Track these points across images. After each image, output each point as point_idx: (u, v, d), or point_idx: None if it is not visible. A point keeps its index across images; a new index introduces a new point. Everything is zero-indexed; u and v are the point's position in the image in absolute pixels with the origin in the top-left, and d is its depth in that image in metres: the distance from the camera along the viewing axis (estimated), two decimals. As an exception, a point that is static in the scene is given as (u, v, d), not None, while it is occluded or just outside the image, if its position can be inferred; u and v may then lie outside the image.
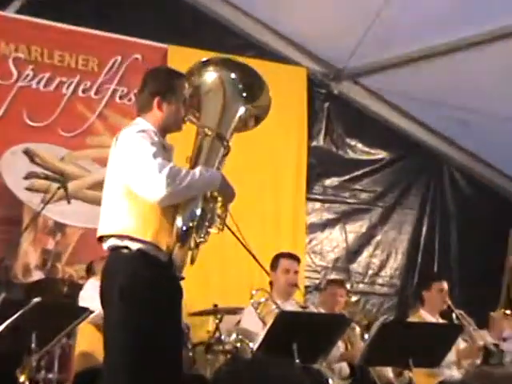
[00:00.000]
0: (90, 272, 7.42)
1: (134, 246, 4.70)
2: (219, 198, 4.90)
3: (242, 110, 5.15)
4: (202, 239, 4.82)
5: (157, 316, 4.63)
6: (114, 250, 4.76)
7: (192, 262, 4.89)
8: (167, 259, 4.73)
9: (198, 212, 4.78)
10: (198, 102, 5.15)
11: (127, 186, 4.71)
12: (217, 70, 5.17)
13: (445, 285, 8.36)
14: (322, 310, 8.16)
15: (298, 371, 2.35)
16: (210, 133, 4.96)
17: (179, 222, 4.73)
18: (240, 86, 5.17)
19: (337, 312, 8.04)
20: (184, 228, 4.73)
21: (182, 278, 4.93)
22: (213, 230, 4.90)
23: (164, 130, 4.97)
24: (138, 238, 4.70)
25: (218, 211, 4.92)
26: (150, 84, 5.02)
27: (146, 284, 4.69)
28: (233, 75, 5.17)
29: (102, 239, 4.83)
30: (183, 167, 4.76)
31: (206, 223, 4.85)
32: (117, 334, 4.62)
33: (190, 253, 4.83)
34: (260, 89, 5.23)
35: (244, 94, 5.16)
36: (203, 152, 4.99)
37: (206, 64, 5.20)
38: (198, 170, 4.75)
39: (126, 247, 4.72)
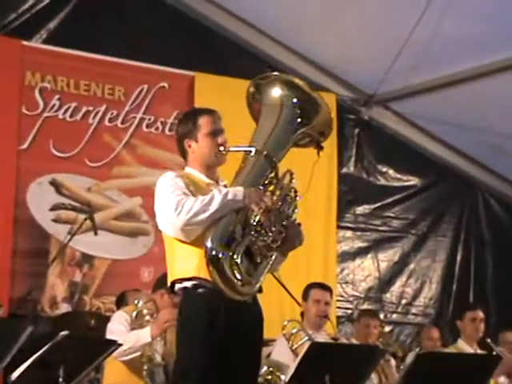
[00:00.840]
0: (120, 303, 7.42)
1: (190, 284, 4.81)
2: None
3: (292, 137, 5.13)
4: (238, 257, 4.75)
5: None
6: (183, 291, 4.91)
7: (258, 289, 4.80)
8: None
9: (231, 228, 4.72)
10: (258, 113, 5.18)
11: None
12: (283, 88, 5.14)
13: (479, 314, 8.31)
14: (355, 342, 8.13)
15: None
16: (255, 152, 4.95)
17: (208, 243, 4.66)
18: (298, 112, 5.12)
19: (370, 343, 8.01)
20: (212, 250, 4.62)
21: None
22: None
23: (206, 167, 5.05)
24: (186, 278, 4.81)
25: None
26: (178, 130, 5.14)
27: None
28: (295, 100, 5.12)
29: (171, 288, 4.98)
30: (192, 197, 4.78)
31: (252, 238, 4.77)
32: None
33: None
34: (316, 115, 5.18)
35: (299, 121, 5.13)
36: (244, 170, 4.99)
37: (276, 78, 5.20)
38: (210, 194, 4.74)
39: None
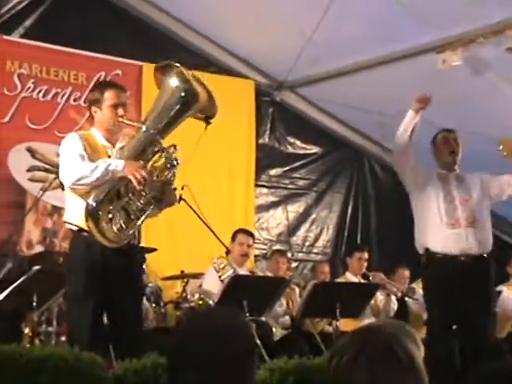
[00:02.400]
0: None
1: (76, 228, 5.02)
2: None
3: (179, 119, 5.13)
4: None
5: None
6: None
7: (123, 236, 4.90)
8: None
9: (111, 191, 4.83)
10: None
11: None
12: (179, 79, 5.12)
13: (364, 254, 8.47)
14: (269, 274, 8.20)
15: (243, 317, 2.34)
16: (145, 129, 4.97)
17: (90, 199, 4.79)
18: (180, 101, 5.09)
19: (279, 275, 8.10)
20: (91, 204, 4.75)
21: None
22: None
23: (106, 131, 5.07)
24: (72, 223, 5.05)
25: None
26: (88, 97, 5.25)
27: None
28: (182, 94, 5.09)
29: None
30: (86, 163, 4.84)
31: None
32: None
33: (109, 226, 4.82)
34: (195, 101, 5.14)
35: (178, 107, 5.09)
36: (131, 143, 5.04)
37: (173, 67, 5.16)
38: (98, 162, 4.80)
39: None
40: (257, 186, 10.12)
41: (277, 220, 10.38)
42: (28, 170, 8.44)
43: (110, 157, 4.95)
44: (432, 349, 5.32)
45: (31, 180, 8.43)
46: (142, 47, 9.28)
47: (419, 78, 8.82)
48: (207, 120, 5.19)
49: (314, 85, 10.02)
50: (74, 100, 8.77)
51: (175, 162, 4.97)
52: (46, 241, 8.46)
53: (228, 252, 7.58)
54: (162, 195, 4.94)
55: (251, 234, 8.00)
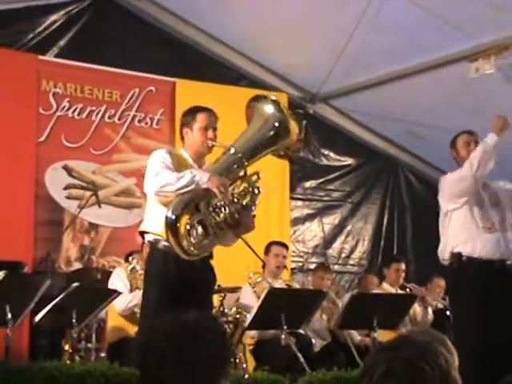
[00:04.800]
0: (127, 259, 7.37)
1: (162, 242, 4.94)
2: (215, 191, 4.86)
3: (269, 149, 5.21)
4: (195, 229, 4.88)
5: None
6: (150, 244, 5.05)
7: (203, 249, 4.95)
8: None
9: (192, 202, 4.86)
10: (250, 117, 5.24)
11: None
12: (274, 108, 5.18)
13: (402, 265, 8.43)
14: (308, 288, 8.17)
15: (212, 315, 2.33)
16: (233, 151, 5.02)
17: (168, 212, 4.79)
18: (278, 130, 5.16)
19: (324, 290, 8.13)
20: (170, 217, 4.77)
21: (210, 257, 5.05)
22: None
23: (195, 152, 5.15)
24: (150, 232, 5.03)
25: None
26: (181, 119, 5.27)
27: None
28: (276, 123, 5.16)
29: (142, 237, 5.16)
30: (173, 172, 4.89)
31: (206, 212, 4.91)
32: None
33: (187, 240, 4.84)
34: (285, 137, 5.21)
35: (277, 138, 5.18)
36: (220, 160, 5.11)
37: (274, 100, 5.24)
38: (184, 172, 4.86)
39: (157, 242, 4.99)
40: (292, 198, 10.13)
41: (312, 232, 10.38)
42: (65, 188, 8.54)
43: None
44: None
45: (68, 198, 8.52)
46: (174, 63, 9.37)
47: (452, 87, 8.82)
48: (290, 158, 5.26)
49: (346, 96, 10.04)
50: (109, 117, 8.87)
51: (256, 190, 5.02)
52: (84, 258, 8.54)
53: (264, 265, 7.60)
54: (240, 218, 4.97)
55: (285, 246, 8.00)
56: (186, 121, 5.21)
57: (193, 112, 5.22)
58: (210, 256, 5.12)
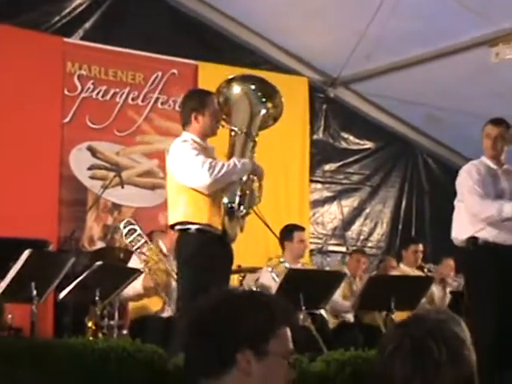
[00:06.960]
0: (149, 238, 7.40)
1: (194, 227, 4.99)
2: (255, 179, 5.15)
3: (263, 111, 5.28)
4: (245, 211, 5.13)
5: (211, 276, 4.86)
6: (181, 231, 5.08)
7: (241, 230, 5.21)
8: (222, 234, 5.02)
9: (239, 192, 5.04)
10: (229, 110, 5.29)
11: (180, 183, 5.02)
12: (240, 84, 5.34)
13: (420, 247, 8.41)
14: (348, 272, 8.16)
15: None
16: (240, 132, 5.14)
17: (225, 200, 5.00)
18: (259, 94, 5.32)
19: (359, 274, 8.19)
20: (229, 205, 4.99)
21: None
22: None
23: (203, 136, 5.16)
24: (196, 222, 5.00)
25: (256, 189, 5.19)
26: (188, 103, 5.26)
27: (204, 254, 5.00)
28: (253, 87, 5.34)
29: (172, 227, 5.20)
30: (220, 160, 5.03)
31: (247, 199, 5.11)
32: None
33: (238, 223, 5.11)
34: (274, 94, 5.38)
35: (263, 100, 5.30)
36: (236, 147, 5.18)
37: (231, 81, 5.35)
38: (232, 161, 4.98)
39: (189, 229, 5.02)
40: (311, 181, 10.14)
41: (331, 215, 10.39)
42: (89, 169, 8.58)
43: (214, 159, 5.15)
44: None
45: (92, 178, 8.57)
46: (196, 46, 9.37)
47: (472, 72, 8.78)
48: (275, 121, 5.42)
49: (367, 80, 10.02)
50: (132, 99, 8.90)
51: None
52: (107, 237, 8.59)
53: (284, 248, 7.59)
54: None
55: (304, 229, 7.99)
56: (194, 105, 5.22)
57: (200, 96, 5.30)
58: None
